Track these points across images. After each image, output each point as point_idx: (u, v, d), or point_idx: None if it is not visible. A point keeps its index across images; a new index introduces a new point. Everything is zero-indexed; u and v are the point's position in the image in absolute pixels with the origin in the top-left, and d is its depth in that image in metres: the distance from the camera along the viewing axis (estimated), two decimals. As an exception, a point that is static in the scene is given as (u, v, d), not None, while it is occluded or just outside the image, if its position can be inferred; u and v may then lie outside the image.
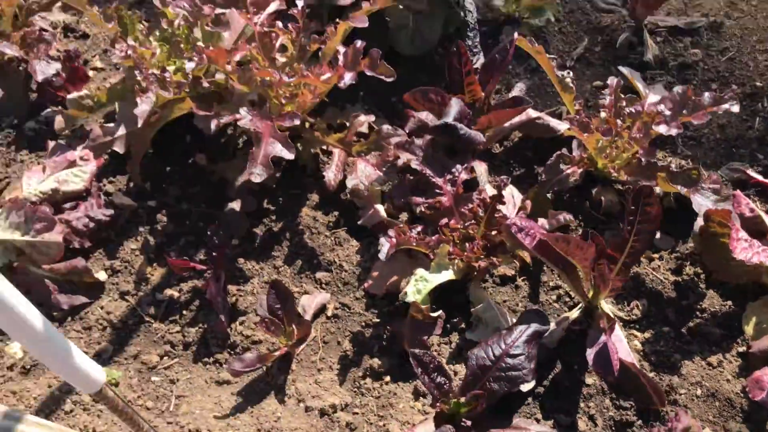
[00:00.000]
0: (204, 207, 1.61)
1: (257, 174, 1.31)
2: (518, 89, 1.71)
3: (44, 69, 1.73)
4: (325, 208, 1.61)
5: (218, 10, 1.59)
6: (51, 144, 1.65)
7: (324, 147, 1.66)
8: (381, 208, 1.53)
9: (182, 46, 1.65)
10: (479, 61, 1.64)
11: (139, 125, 1.45)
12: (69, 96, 1.63)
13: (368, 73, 1.43)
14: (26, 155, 1.74)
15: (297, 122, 1.42)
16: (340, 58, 1.53)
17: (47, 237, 1.37)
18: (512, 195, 1.55)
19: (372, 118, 1.63)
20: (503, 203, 1.35)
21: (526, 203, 1.49)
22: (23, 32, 1.82)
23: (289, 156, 1.36)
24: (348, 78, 1.43)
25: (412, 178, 1.47)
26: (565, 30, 1.92)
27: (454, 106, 1.46)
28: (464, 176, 1.43)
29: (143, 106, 1.45)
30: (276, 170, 1.61)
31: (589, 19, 1.93)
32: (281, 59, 1.63)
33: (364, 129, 1.64)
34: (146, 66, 1.55)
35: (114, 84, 1.71)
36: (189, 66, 1.42)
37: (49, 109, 1.80)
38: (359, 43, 1.46)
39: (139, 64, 1.53)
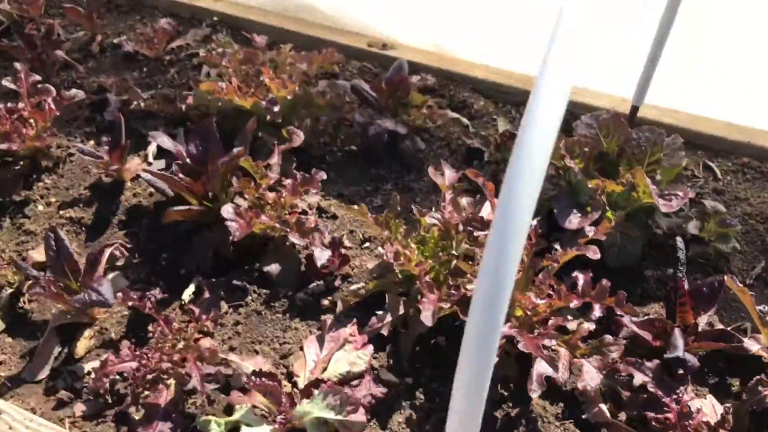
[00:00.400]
0: (450, 388, 1.97)
1: (534, 390, 1.68)
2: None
3: (321, 255, 2.16)
4: (550, 398, 1.96)
5: (477, 233, 2.00)
6: (328, 321, 2.06)
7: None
8: (605, 408, 1.87)
9: (440, 254, 2.06)
10: (685, 286, 1.99)
11: (429, 326, 1.85)
12: (351, 288, 2.06)
13: (617, 311, 1.80)
14: (298, 323, 2.15)
15: (554, 343, 1.79)
16: (579, 284, 1.91)
17: (353, 417, 1.75)
18: (713, 406, 1.87)
19: (593, 326, 1.99)
20: (726, 429, 1.67)
21: (728, 417, 1.80)
22: (296, 218, 2.27)
23: (555, 375, 1.72)
24: (597, 311, 1.80)
25: (644, 396, 1.80)
26: (742, 249, 2.27)
27: (679, 339, 1.81)
28: (686, 398, 1.75)
29: (427, 314, 1.85)
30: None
31: (763, 241, 2.28)
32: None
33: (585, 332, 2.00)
34: (421, 276, 1.96)
35: (379, 276, 2.13)
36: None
37: (314, 284, 2.22)
38: (605, 282, 1.84)
39: (421, 276, 1.94)
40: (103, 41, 3.12)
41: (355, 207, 2.13)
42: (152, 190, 2.52)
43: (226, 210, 2.14)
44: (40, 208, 2.51)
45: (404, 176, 2.53)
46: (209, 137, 2.28)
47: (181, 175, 2.27)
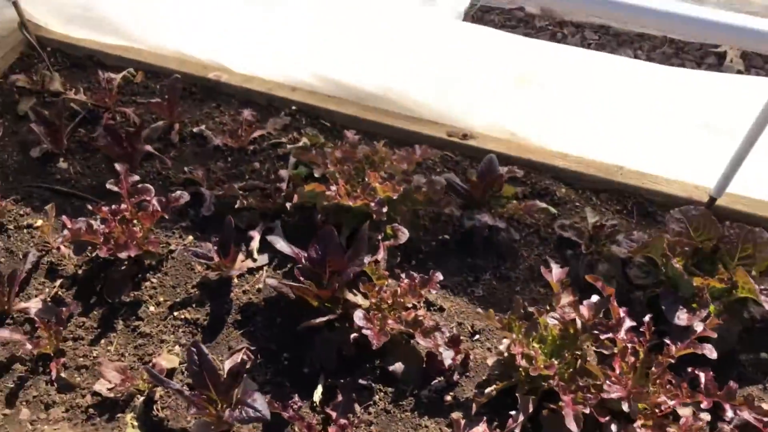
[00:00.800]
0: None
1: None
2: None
3: (447, 355, 2.29)
4: (676, 487, 2.12)
5: (603, 335, 2.16)
6: (461, 421, 2.19)
7: None
8: (732, 498, 2.04)
9: (565, 353, 2.22)
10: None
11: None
12: (486, 390, 2.19)
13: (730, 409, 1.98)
14: (427, 420, 2.27)
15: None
16: (702, 381, 2.08)
17: None
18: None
19: (708, 417, 2.16)
20: None
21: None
22: (413, 316, 2.39)
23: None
24: (729, 411, 1.97)
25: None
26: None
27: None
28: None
29: (570, 419, 1.99)
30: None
31: (841, 323, 2.50)
32: (630, 360, 2.20)
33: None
34: (554, 378, 2.10)
35: (502, 374, 2.27)
36: (622, 403, 1.97)
37: (436, 380, 2.35)
38: (733, 384, 2.01)
39: (555, 378, 2.08)
40: (181, 130, 3.20)
41: (480, 310, 2.27)
42: (260, 286, 2.63)
43: (358, 316, 2.26)
44: (152, 308, 2.58)
45: (500, 265, 2.68)
46: (330, 242, 2.39)
47: (303, 279, 2.38)
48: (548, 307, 2.33)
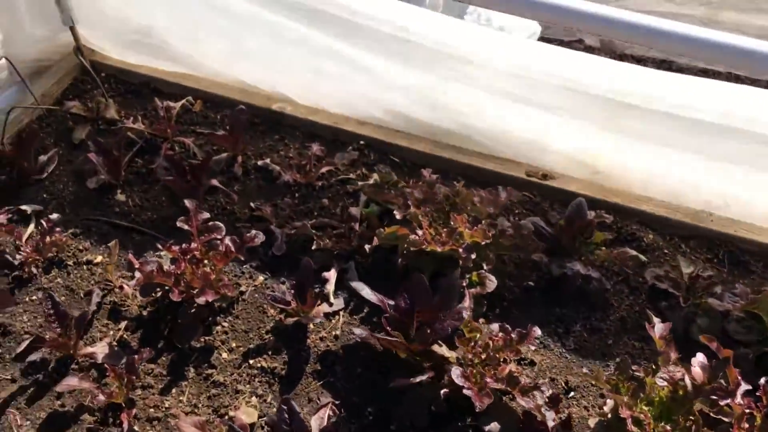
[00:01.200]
0: None
1: None
2: None
3: (549, 416, 2.13)
4: None
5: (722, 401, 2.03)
6: (567, 489, 2.06)
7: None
8: None
9: (676, 417, 2.08)
10: None
11: None
12: (597, 458, 2.06)
13: None
14: (526, 486, 2.14)
15: None
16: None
17: None
18: None
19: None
20: None
21: None
22: (507, 372, 2.26)
23: None
24: None
25: None
26: None
27: None
28: None
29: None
30: None
31: None
32: (745, 427, 2.06)
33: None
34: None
35: (609, 437, 2.14)
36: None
37: (533, 441, 2.22)
38: None
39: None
40: (245, 162, 3.09)
41: (585, 370, 2.14)
42: (338, 332, 2.50)
43: (455, 374, 2.12)
44: (224, 355, 2.44)
45: (591, 316, 2.54)
46: (419, 290, 2.27)
47: (391, 331, 2.25)
48: (653, 366, 2.20)
